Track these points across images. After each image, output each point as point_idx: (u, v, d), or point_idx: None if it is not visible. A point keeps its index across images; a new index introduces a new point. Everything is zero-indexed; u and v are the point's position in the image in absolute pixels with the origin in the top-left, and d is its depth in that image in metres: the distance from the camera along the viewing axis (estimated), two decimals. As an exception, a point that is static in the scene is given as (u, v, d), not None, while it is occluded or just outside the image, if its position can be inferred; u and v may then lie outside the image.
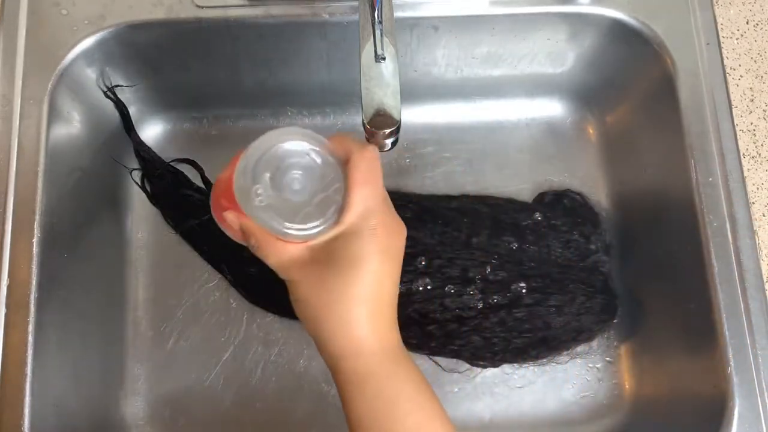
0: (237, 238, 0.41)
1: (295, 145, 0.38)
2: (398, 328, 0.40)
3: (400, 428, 0.37)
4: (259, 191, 0.36)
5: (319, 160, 0.38)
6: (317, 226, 0.37)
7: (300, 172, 0.38)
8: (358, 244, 0.37)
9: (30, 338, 0.51)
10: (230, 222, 0.40)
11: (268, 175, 0.37)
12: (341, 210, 0.37)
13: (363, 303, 0.37)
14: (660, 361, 0.61)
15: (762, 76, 0.62)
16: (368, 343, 0.38)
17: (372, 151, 0.39)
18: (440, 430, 0.38)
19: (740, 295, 0.53)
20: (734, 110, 0.57)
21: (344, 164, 0.38)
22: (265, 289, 0.64)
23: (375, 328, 0.38)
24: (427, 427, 0.38)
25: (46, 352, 0.53)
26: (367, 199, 0.38)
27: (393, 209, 0.40)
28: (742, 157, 0.56)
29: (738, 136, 0.57)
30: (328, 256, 0.37)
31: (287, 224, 0.36)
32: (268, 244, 0.38)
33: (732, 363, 0.52)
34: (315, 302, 0.37)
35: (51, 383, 0.53)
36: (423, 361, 0.63)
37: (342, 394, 0.38)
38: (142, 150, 0.66)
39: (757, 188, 0.59)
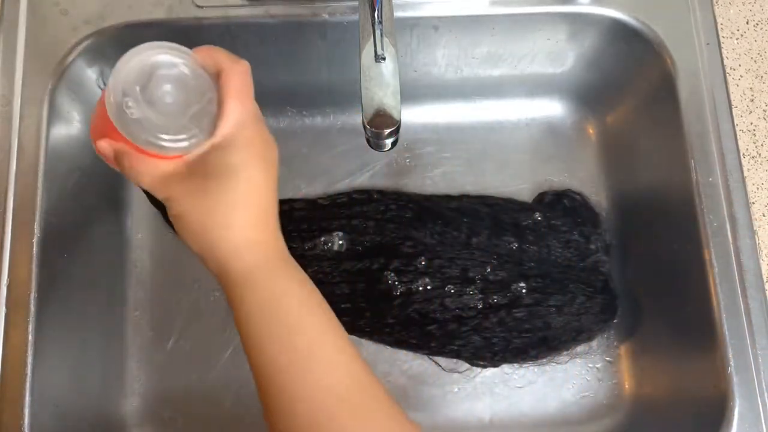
0: (115, 166, 0.40)
1: (164, 58, 0.37)
2: (282, 237, 0.39)
3: (292, 326, 0.37)
4: (129, 104, 0.35)
5: (189, 72, 0.37)
6: (193, 137, 0.37)
7: (171, 84, 0.37)
8: (234, 152, 0.37)
9: (30, 338, 0.51)
10: (102, 149, 0.39)
11: (138, 88, 0.36)
12: (216, 121, 0.37)
13: (244, 207, 0.37)
14: (660, 361, 0.61)
15: (762, 76, 0.62)
16: (253, 245, 0.37)
17: (244, 64, 0.39)
18: (335, 336, 0.38)
19: (740, 295, 0.53)
20: (734, 110, 0.57)
21: (215, 76, 0.38)
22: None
23: (259, 232, 0.37)
24: (319, 329, 0.37)
25: (46, 352, 0.53)
26: (241, 110, 0.37)
27: (265, 125, 0.40)
28: (742, 157, 0.56)
29: (738, 136, 0.57)
30: (206, 169, 0.37)
31: (162, 136, 0.36)
32: (140, 162, 0.37)
33: (732, 363, 0.52)
34: (195, 213, 0.37)
35: (51, 383, 0.53)
36: (423, 360, 0.63)
37: (230, 298, 0.38)
38: (142, 150, 0.66)
39: (757, 188, 0.59)
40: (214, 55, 0.39)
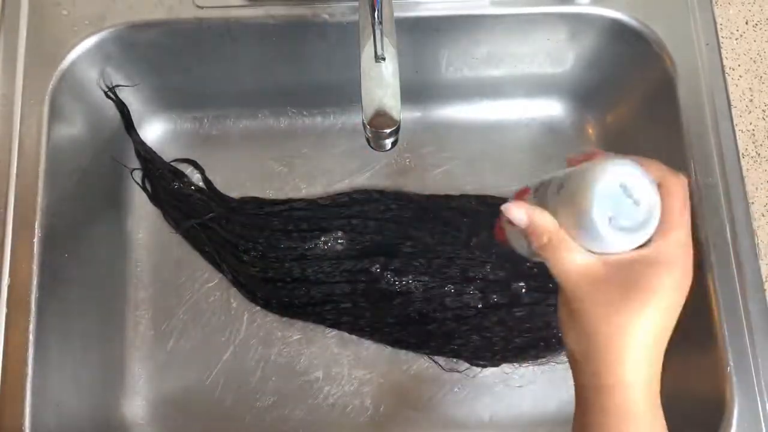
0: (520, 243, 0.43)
1: (624, 168, 0.37)
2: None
3: None
4: (605, 217, 0.36)
5: (650, 184, 0.37)
6: (639, 240, 0.37)
7: (638, 196, 0.37)
8: (664, 274, 0.36)
9: (31, 338, 0.51)
10: (517, 219, 0.39)
11: (611, 202, 0.37)
12: (659, 232, 0.36)
13: (652, 337, 0.36)
14: (660, 361, 0.61)
15: (761, 76, 0.62)
16: (644, 381, 0.37)
17: (683, 180, 0.38)
18: None
19: (740, 296, 0.53)
20: (733, 110, 0.57)
21: (657, 186, 0.37)
22: (265, 288, 0.64)
23: (653, 367, 0.37)
24: None
25: (46, 352, 0.53)
26: (684, 228, 0.37)
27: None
28: (741, 157, 0.56)
29: (737, 136, 0.57)
30: (625, 278, 0.36)
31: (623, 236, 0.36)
32: (561, 249, 0.38)
33: (731, 363, 0.52)
34: (598, 323, 0.36)
35: (52, 383, 0.53)
36: (423, 360, 0.63)
37: (595, 425, 0.37)
38: (142, 150, 0.66)
39: (756, 188, 0.59)
40: (656, 166, 0.39)
